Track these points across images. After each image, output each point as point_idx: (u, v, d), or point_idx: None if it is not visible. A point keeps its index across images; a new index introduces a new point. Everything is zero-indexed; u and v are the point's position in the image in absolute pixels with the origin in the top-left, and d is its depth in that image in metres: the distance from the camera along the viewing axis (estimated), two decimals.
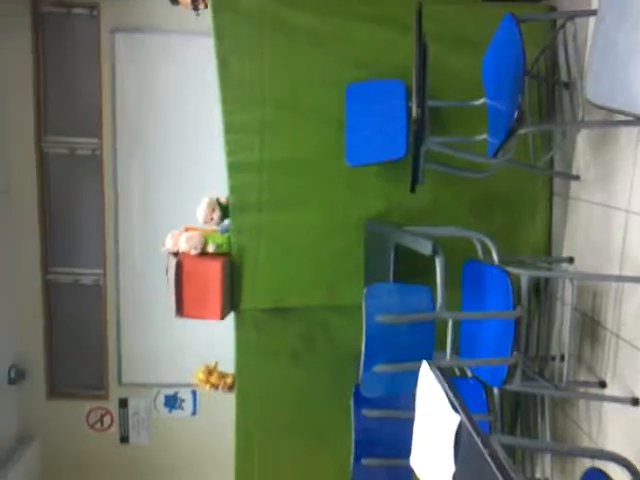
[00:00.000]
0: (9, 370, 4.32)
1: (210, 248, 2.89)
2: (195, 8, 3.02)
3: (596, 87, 1.78)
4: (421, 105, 2.04)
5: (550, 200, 2.90)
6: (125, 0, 3.96)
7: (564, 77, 2.67)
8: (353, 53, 2.81)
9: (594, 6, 2.09)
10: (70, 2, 4.06)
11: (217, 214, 2.90)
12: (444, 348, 2.21)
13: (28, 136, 4.19)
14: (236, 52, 2.80)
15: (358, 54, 2.80)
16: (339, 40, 2.80)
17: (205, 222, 2.94)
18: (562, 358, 2.44)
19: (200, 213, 2.92)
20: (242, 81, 2.82)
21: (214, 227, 2.98)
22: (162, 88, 4.12)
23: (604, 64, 1.74)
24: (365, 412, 2.44)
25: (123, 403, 4.57)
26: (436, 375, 1.62)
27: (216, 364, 3.10)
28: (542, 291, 2.76)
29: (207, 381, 3.05)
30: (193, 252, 2.86)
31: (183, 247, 2.86)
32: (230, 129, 2.85)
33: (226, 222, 2.99)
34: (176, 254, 2.89)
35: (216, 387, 3.04)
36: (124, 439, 4.61)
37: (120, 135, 4.18)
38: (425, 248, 2.17)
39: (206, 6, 2.94)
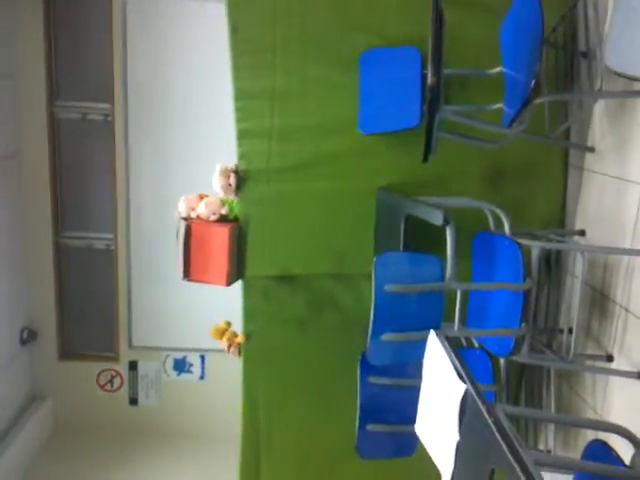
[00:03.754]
0: (21, 331, 4.39)
1: (223, 210, 2.90)
2: None
3: (616, 55, 1.75)
4: (437, 73, 2.01)
5: (565, 172, 2.86)
6: None
7: (582, 46, 2.61)
8: (367, 21, 2.76)
9: None
10: None
11: (233, 179, 2.88)
12: (452, 318, 2.22)
13: (40, 101, 4.18)
14: (249, 19, 2.76)
15: (372, 22, 2.76)
16: (354, 7, 2.76)
17: (224, 191, 2.90)
18: (570, 331, 2.44)
19: (216, 182, 2.89)
20: (254, 48, 2.79)
21: (230, 194, 2.96)
22: (174, 54, 4.09)
23: (625, 32, 1.70)
24: (371, 379, 2.47)
25: (133, 365, 4.64)
26: (443, 344, 1.63)
27: (227, 323, 3.12)
28: (553, 263, 2.75)
29: (222, 336, 3.08)
30: (212, 217, 2.87)
31: (202, 212, 2.87)
32: (240, 96, 2.83)
33: None
34: (186, 219, 2.90)
35: (230, 344, 3.07)
36: (133, 401, 4.70)
37: (132, 100, 4.16)
38: (436, 218, 2.16)
39: None
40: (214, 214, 2.89)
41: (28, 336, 4.44)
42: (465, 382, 1.41)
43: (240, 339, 3.06)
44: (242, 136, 2.87)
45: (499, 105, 2.42)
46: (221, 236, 2.85)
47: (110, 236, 4.46)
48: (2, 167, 4.02)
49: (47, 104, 4.20)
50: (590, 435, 1.95)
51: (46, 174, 4.29)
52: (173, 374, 4.65)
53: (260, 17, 2.76)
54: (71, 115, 4.29)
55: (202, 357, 4.59)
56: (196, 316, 4.33)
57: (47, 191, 4.31)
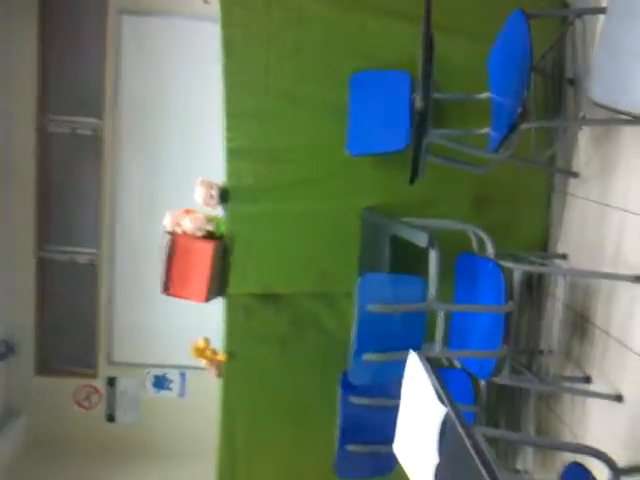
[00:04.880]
0: None
1: (209, 227, 2.89)
2: None
3: (600, 87, 1.78)
4: (426, 98, 2.03)
5: (549, 196, 2.90)
6: None
7: (570, 74, 2.66)
8: (359, 44, 2.80)
9: (604, 3, 2.09)
10: None
11: (215, 191, 2.89)
12: (434, 339, 2.22)
13: (30, 114, 4.17)
14: (243, 40, 2.80)
15: (364, 45, 2.80)
16: (346, 30, 2.80)
17: (205, 202, 2.91)
18: (550, 352, 2.45)
19: (198, 194, 2.90)
20: (247, 68, 2.82)
21: (213, 208, 2.95)
22: (166, 71, 4.12)
23: (609, 64, 1.73)
24: (352, 399, 2.45)
25: (111, 382, 4.58)
26: (424, 365, 1.63)
27: (206, 340, 3.10)
28: (534, 286, 2.76)
29: (202, 355, 3.05)
30: (198, 233, 2.87)
31: (188, 227, 2.87)
32: (231, 115, 2.85)
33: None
34: (171, 233, 2.89)
35: (211, 363, 3.04)
36: (110, 418, 4.62)
37: (122, 116, 4.17)
38: (421, 240, 2.17)
39: None
40: (199, 230, 2.88)
41: (6, 350, 4.37)
42: (445, 405, 1.41)
43: (220, 357, 3.03)
44: (231, 154, 2.88)
45: (486, 130, 2.45)
46: (205, 252, 2.84)
47: (94, 251, 4.43)
48: None
49: (37, 117, 4.19)
50: (568, 457, 1.95)
51: (32, 187, 4.27)
52: (152, 391, 4.59)
53: (254, 38, 2.79)
54: (61, 129, 4.28)
55: (182, 374, 4.54)
56: (177, 333, 4.29)
57: (33, 204, 4.29)
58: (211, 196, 2.88)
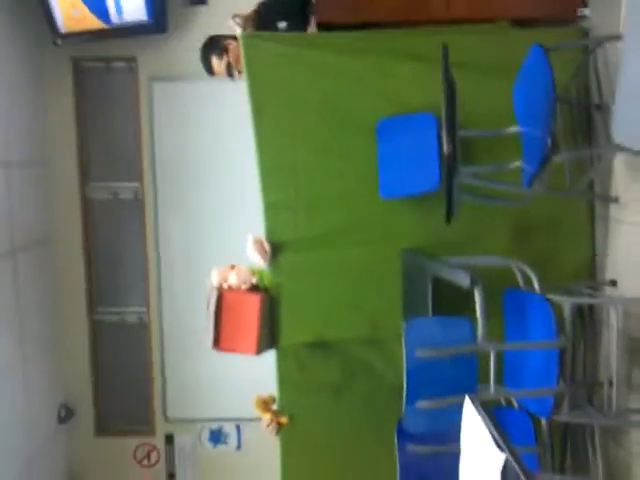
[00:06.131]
0: (59, 409, 4.41)
1: (253, 279, 2.94)
2: (230, 75, 3.11)
3: (622, 130, 1.75)
4: (451, 141, 2.05)
5: (591, 223, 2.85)
6: (161, 51, 4.09)
7: (596, 99, 2.65)
8: (384, 89, 2.85)
9: (622, 29, 2.09)
10: (109, 57, 4.23)
11: (268, 246, 2.93)
12: (488, 379, 2.18)
13: (73, 183, 4.34)
14: (270, 99, 2.88)
15: (388, 90, 2.84)
16: (368, 77, 2.85)
17: (262, 256, 2.92)
18: (610, 384, 2.38)
19: (251, 251, 2.92)
20: (276, 125, 2.89)
21: (266, 263, 2.97)
22: (199, 132, 4.22)
23: (630, 107, 1.71)
24: (410, 447, 2.41)
25: (169, 439, 4.60)
26: (478, 410, 1.61)
27: (272, 397, 3.08)
28: (586, 316, 2.70)
29: (266, 410, 3.03)
30: (243, 286, 2.92)
31: (233, 281, 2.92)
32: (265, 171, 2.92)
33: None
34: (218, 289, 2.94)
35: (272, 420, 3.03)
36: (171, 476, 4.64)
37: (160, 178, 4.30)
38: (463, 280, 2.15)
39: (240, 72, 3.02)
40: (245, 283, 2.93)
41: (66, 414, 4.46)
42: (504, 451, 1.38)
43: (283, 420, 3.02)
44: (269, 208, 2.94)
45: (517, 164, 2.45)
46: (252, 304, 2.88)
47: (143, 309, 4.52)
48: (36, 252, 4.14)
49: (79, 186, 4.36)
50: None
51: (79, 254, 4.40)
52: (209, 446, 4.60)
53: (281, 95, 2.87)
54: (103, 195, 4.44)
55: (238, 427, 4.54)
56: (229, 385, 4.31)
57: (81, 271, 4.41)
58: (265, 251, 2.92)
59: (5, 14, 3.77)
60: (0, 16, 3.73)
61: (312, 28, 3.07)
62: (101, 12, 3.75)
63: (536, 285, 2.28)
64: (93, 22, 3.79)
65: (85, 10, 3.74)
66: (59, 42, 3.88)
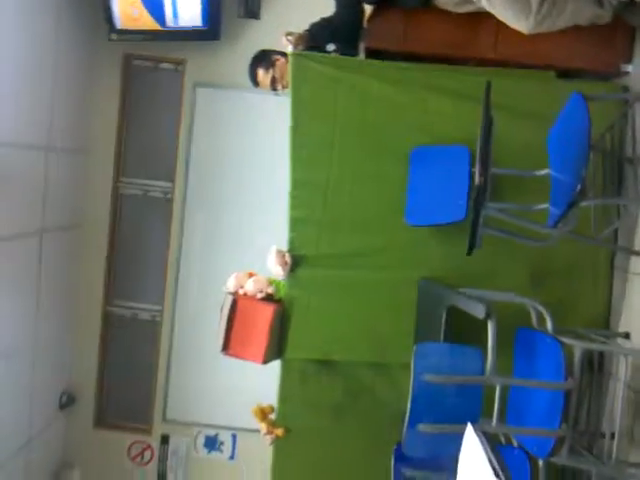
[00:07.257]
0: (61, 395, 4.46)
1: (270, 289, 2.98)
2: (274, 89, 3.19)
3: None
4: (484, 174, 2.10)
5: (611, 273, 2.87)
6: (210, 58, 4.22)
7: (629, 153, 2.68)
8: (421, 121, 2.91)
9: None
10: (159, 57, 4.37)
11: (289, 258, 2.97)
12: (491, 413, 2.19)
13: (107, 175, 4.45)
14: (311, 116, 2.94)
15: (425, 122, 2.90)
16: (408, 108, 2.92)
17: (282, 267, 2.95)
18: (612, 436, 2.37)
19: (271, 262, 2.96)
20: (313, 142, 2.96)
21: (285, 274, 3.01)
22: (235, 141, 4.32)
23: None
24: (405, 471, 2.42)
25: (165, 439, 4.62)
26: (481, 440, 1.62)
27: (271, 407, 3.10)
28: (595, 364, 2.70)
29: (263, 419, 3.05)
30: (259, 295, 2.96)
31: (250, 289, 2.96)
32: (296, 185, 2.97)
33: None
34: (233, 294, 2.99)
35: (269, 431, 3.04)
36: (162, 476, 4.64)
37: (191, 181, 4.40)
38: (479, 311, 2.18)
39: (284, 87, 3.12)
40: (261, 292, 2.97)
41: (67, 401, 4.50)
42: None
43: (280, 432, 3.03)
44: (294, 222, 2.99)
45: (545, 205, 2.48)
46: (265, 314, 2.92)
47: (156, 308, 4.58)
48: (62, 236, 4.24)
49: (113, 179, 4.47)
50: None
51: (104, 245, 4.49)
52: (203, 451, 4.60)
53: (321, 114, 2.94)
54: (133, 191, 4.54)
55: (234, 436, 4.55)
56: (231, 394, 4.33)
57: (102, 261, 4.50)
58: (286, 263, 2.96)
59: (67, 5, 3.93)
60: (62, 6, 3.88)
61: (360, 54, 3.16)
62: (158, 14, 3.91)
63: (550, 326, 2.30)
64: (148, 22, 3.95)
65: (143, 10, 3.90)
66: (114, 37, 4.03)
